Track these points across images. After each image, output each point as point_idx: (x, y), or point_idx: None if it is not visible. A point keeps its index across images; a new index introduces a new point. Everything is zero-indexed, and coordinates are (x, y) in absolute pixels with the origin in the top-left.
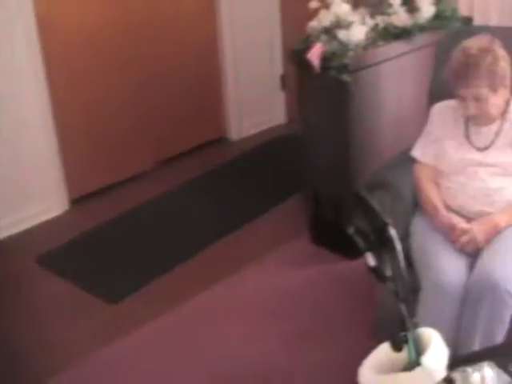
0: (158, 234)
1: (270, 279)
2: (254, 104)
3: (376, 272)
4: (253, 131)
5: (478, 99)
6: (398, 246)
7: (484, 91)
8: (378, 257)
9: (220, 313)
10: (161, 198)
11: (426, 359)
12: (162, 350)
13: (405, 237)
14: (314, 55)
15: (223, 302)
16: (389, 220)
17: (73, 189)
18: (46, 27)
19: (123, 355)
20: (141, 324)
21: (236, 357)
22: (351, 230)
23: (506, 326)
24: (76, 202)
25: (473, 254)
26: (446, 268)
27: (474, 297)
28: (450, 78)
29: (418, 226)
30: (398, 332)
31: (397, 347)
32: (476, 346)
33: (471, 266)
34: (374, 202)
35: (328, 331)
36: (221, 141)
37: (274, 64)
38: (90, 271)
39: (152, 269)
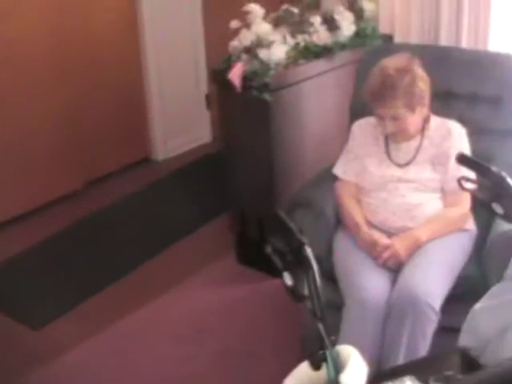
0: (87, 256)
1: (197, 299)
2: (180, 124)
3: (293, 291)
4: (179, 151)
5: (395, 118)
6: (315, 266)
7: (401, 111)
8: (295, 276)
9: (150, 333)
10: (88, 220)
11: (344, 377)
12: (93, 370)
13: (328, 254)
14: (235, 75)
15: (153, 322)
16: (305, 239)
17: None
18: None
19: (53, 378)
20: (71, 346)
21: (166, 377)
22: (268, 250)
23: (429, 341)
24: (1, 226)
25: (395, 269)
26: (369, 285)
27: (397, 312)
28: (367, 97)
29: (341, 243)
30: (317, 350)
31: (315, 366)
32: (400, 361)
33: (394, 282)
34: (291, 221)
35: (256, 350)
36: (147, 161)
37: (199, 83)
38: (16, 297)
39: (81, 291)
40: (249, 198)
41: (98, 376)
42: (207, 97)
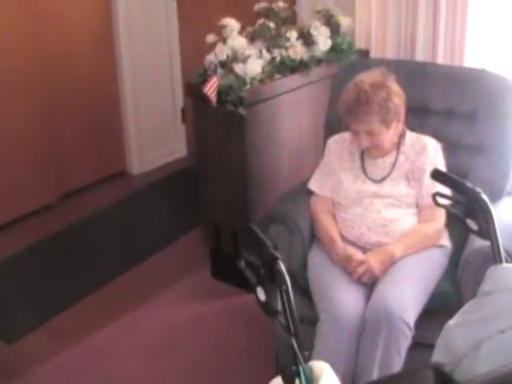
0: (60, 269)
1: (171, 313)
2: (155, 137)
3: (266, 306)
4: (154, 165)
5: (370, 134)
6: (288, 280)
7: (376, 126)
8: (269, 291)
9: (122, 347)
10: (63, 233)
11: None
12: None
13: (302, 269)
14: (211, 89)
15: (125, 337)
16: (278, 254)
17: None
18: None
19: None
20: (45, 360)
21: None
22: (241, 264)
23: (403, 356)
24: None
25: (369, 284)
26: (343, 300)
27: (371, 327)
28: (342, 112)
29: (315, 257)
30: (290, 365)
31: (288, 381)
32: (374, 376)
33: (368, 297)
34: (264, 235)
35: (229, 365)
36: (122, 175)
37: (175, 97)
38: None
39: (55, 304)
40: (223, 212)
41: None
42: (183, 110)
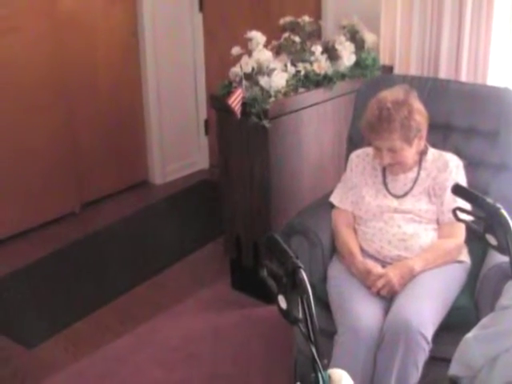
0: (80, 277)
1: (190, 323)
2: (178, 148)
3: (287, 314)
4: (176, 175)
5: (392, 151)
6: (309, 289)
7: (398, 143)
8: (290, 299)
9: (141, 357)
10: (83, 241)
11: None
12: None
13: (322, 281)
14: (235, 101)
15: (144, 346)
16: (300, 263)
17: None
18: None
19: None
20: (62, 367)
21: None
22: (263, 273)
23: (420, 370)
24: None
25: (388, 298)
26: (362, 314)
27: (389, 340)
28: (365, 129)
29: (335, 271)
30: (309, 373)
31: None
32: None
33: (386, 311)
34: (286, 245)
35: (247, 376)
36: (144, 185)
37: (199, 109)
38: (7, 315)
39: (74, 311)
40: (244, 224)
41: None
42: (206, 122)
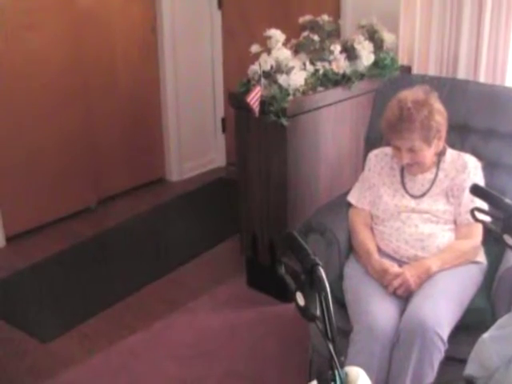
0: (95, 273)
1: (205, 320)
2: (195, 146)
3: (305, 312)
4: (193, 173)
5: (411, 150)
6: (327, 287)
7: (417, 144)
8: (308, 297)
9: (155, 352)
10: (100, 237)
11: None
12: None
13: (338, 280)
14: (253, 99)
15: (159, 342)
16: (319, 260)
17: (9, 225)
18: None
19: None
20: (75, 362)
21: None
22: (281, 270)
23: (435, 370)
24: (12, 239)
25: (404, 298)
26: (378, 313)
27: (405, 339)
28: (384, 128)
29: (352, 269)
30: (326, 370)
31: None
32: None
33: (402, 310)
34: (305, 242)
35: (262, 374)
36: (161, 182)
37: (216, 107)
38: (23, 309)
39: (88, 307)
40: (261, 222)
41: None
42: (223, 120)
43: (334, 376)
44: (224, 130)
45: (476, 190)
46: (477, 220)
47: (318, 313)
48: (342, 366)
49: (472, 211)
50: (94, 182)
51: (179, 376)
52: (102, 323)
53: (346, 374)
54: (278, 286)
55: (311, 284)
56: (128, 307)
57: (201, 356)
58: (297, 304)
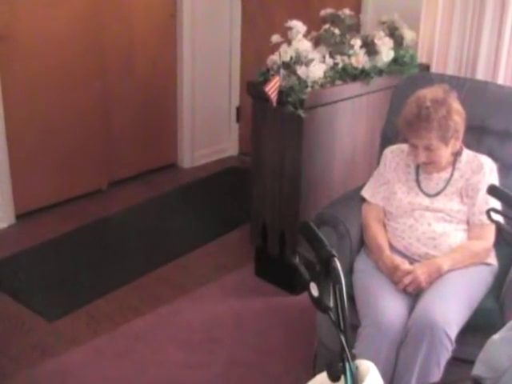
0: (104, 254)
1: (212, 308)
2: (209, 134)
3: (318, 302)
4: (205, 161)
5: (428, 149)
6: (342, 278)
7: (435, 143)
8: (322, 287)
9: (160, 337)
10: (110, 219)
11: None
12: (101, 368)
13: (348, 273)
14: (272, 88)
15: (164, 327)
16: (334, 252)
17: (20, 203)
18: (2, 40)
19: (60, 372)
20: (79, 342)
21: (173, 380)
22: (296, 260)
23: (442, 369)
24: (22, 216)
25: (414, 295)
26: (387, 308)
27: (413, 337)
28: (402, 126)
29: (362, 264)
30: (336, 362)
31: (334, 377)
32: None
33: (411, 307)
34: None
35: (266, 364)
36: (172, 167)
37: (232, 95)
38: (30, 287)
39: (96, 288)
40: (272, 212)
41: (105, 375)
42: (238, 109)
43: (345, 368)
44: (238, 119)
45: (493, 191)
46: (492, 221)
47: (332, 304)
48: (354, 358)
49: (488, 211)
50: (106, 164)
51: (183, 361)
52: (109, 305)
53: (357, 368)
54: (286, 277)
55: (326, 275)
56: (135, 290)
57: (206, 343)
58: (310, 294)
